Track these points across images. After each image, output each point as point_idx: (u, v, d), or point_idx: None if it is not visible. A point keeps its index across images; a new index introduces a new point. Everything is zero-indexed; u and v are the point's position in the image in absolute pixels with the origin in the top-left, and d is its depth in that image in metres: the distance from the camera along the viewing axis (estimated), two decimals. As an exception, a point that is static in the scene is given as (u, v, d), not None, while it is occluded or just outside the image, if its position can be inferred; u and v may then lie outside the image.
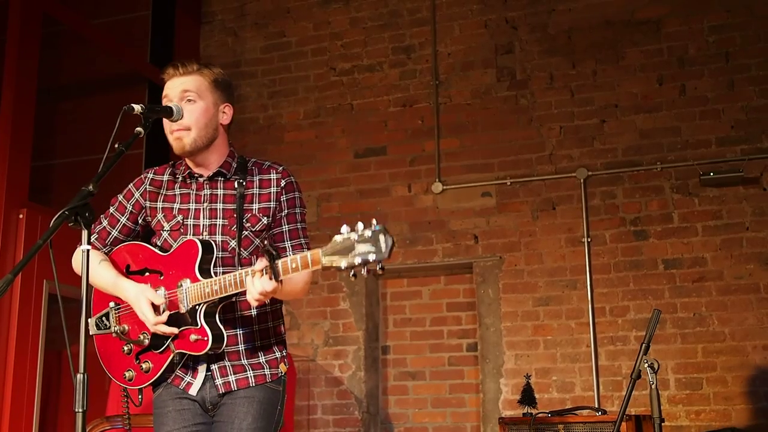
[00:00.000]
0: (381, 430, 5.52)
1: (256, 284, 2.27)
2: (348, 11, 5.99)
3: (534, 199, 5.30)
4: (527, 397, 4.55)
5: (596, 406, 4.81)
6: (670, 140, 5.12)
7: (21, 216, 4.63)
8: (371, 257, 2.04)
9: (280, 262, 2.24)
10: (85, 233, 2.06)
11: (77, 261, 2.65)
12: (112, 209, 2.68)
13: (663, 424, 3.19)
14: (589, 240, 5.13)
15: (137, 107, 2.35)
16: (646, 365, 3.17)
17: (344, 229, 2.09)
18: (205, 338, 2.39)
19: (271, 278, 2.24)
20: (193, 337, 2.41)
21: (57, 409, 5.05)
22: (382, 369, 5.61)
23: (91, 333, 2.63)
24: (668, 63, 5.21)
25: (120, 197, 2.69)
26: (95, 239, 2.66)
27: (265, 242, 2.55)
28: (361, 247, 2.05)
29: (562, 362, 5.07)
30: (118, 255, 2.64)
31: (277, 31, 6.17)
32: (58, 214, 2.06)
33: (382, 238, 2.04)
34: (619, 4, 5.37)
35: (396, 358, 5.60)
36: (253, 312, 2.54)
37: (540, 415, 4.31)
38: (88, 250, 2.07)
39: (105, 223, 2.67)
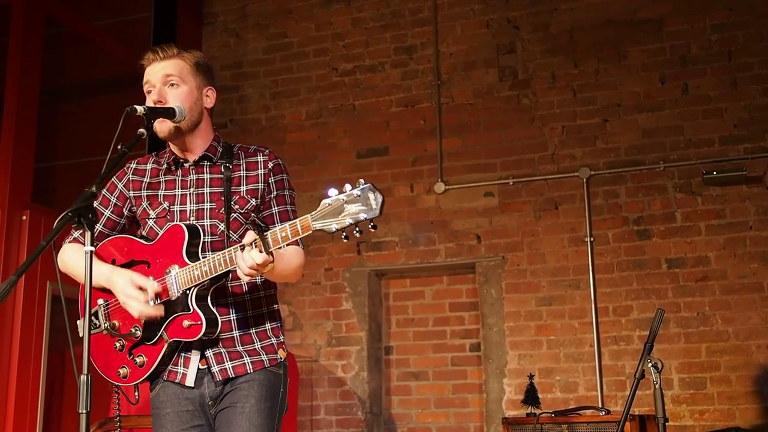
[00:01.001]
0: (384, 431, 5.51)
1: (246, 258, 2.19)
2: (350, 12, 5.99)
3: (536, 198, 5.30)
4: (530, 397, 4.55)
5: (600, 406, 4.81)
6: (673, 139, 5.11)
7: (24, 217, 4.63)
8: (362, 216, 1.99)
9: (269, 233, 2.18)
10: (88, 234, 2.05)
11: (66, 260, 2.59)
12: (95, 203, 2.60)
13: (667, 423, 3.18)
14: (591, 239, 5.12)
15: (139, 108, 2.34)
16: (649, 365, 3.17)
17: (332, 191, 2.04)
18: (199, 322, 2.32)
19: (261, 251, 2.17)
20: (186, 323, 2.34)
21: (61, 410, 5.05)
22: (385, 369, 5.61)
23: (80, 335, 2.58)
24: (670, 62, 5.20)
25: (104, 191, 2.63)
26: (80, 235, 2.60)
27: (252, 214, 2.49)
28: (351, 207, 2.00)
29: (565, 362, 5.06)
30: (103, 250, 2.58)
31: (278, 31, 6.17)
32: (61, 215, 2.06)
33: (371, 195, 1.99)
34: (621, 4, 5.37)
35: (399, 358, 5.59)
36: (247, 297, 2.49)
37: (543, 415, 4.31)
38: (91, 252, 2.04)
39: None
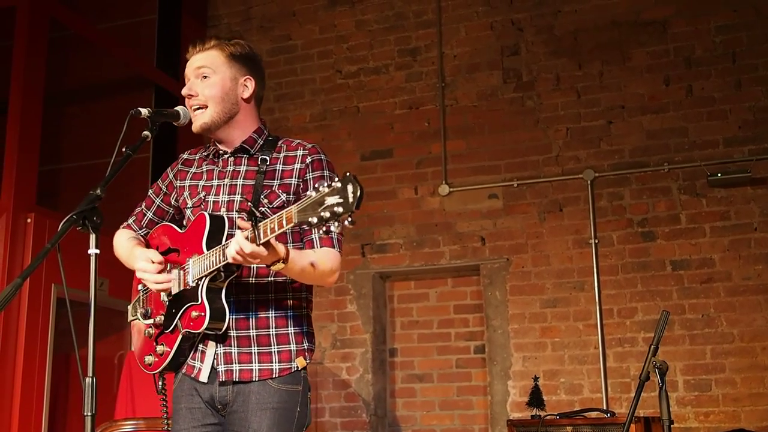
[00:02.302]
0: (389, 433, 5.51)
1: (234, 242, 2.13)
2: (354, 14, 6.00)
3: (541, 200, 5.30)
4: (535, 399, 4.55)
5: (604, 408, 4.80)
6: (677, 141, 5.10)
7: (29, 220, 4.64)
8: (338, 210, 1.87)
9: (261, 224, 2.09)
10: (93, 237, 2.05)
11: (114, 244, 2.65)
12: (150, 191, 2.66)
13: (672, 426, 3.18)
14: (596, 241, 5.12)
15: (144, 111, 2.33)
16: (654, 367, 3.16)
17: (320, 183, 1.96)
18: (203, 314, 2.26)
19: (253, 241, 2.10)
20: (193, 314, 2.30)
21: (66, 413, 5.06)
22: (390, 371, 5.61)
23: (128, 320, 2.61)
24: (675, 63, 5.19)
25: (159, 180, 2.67)
26: (132, 221, 2.68)
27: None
28: (330, 200, 1.89)
29: (570, 364, 5.06)
30: (153, 238, 2.61)
31: (282, 34, 6.18)
32: (66, 218, 2.06)
33: (350, 187, 1.88)
34: (625, 5, 5.36)
35: (403, 360, 5.59)
36: (272, 296, 2.41)
37: (548, 417, 4.30)
38: (96, 254, 2.04)
39: (143, 205, 2.66)
